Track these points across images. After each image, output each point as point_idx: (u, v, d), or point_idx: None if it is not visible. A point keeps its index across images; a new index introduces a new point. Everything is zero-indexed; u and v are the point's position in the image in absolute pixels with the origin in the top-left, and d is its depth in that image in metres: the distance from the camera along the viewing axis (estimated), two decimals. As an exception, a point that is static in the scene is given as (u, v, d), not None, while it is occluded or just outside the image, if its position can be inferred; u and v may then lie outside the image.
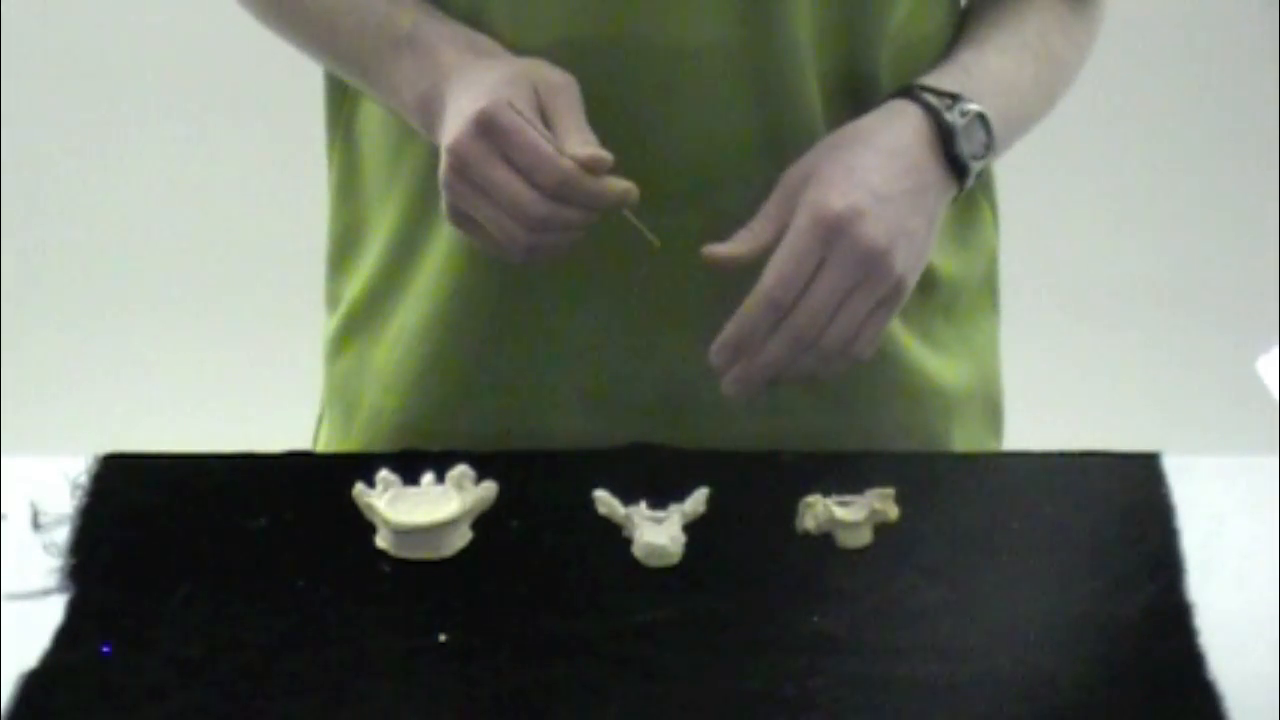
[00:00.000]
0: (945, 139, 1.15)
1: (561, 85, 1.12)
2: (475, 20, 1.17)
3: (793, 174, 1.13)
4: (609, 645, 1.04)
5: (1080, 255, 2.73)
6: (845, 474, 1.15)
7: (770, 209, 1.13)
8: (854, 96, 1.19)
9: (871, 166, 1.12)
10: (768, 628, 1.05)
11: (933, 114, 1.15)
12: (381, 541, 1.11)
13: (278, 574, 1.09)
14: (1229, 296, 2.71)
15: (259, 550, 1.11)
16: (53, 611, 1.06)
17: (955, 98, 1.15)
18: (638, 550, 1.10)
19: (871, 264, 1.10)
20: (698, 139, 1.17)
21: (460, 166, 1.10)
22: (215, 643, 1.03)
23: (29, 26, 2.73)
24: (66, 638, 1.04)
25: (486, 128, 1.09)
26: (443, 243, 1.23)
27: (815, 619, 1.06)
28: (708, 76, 1.16)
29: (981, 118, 1.16)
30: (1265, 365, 1.28)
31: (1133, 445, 1.21)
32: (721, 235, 1.14)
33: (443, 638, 1.04)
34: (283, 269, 2.64)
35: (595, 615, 1.06)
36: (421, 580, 1.09)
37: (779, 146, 1.17)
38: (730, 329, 1.11)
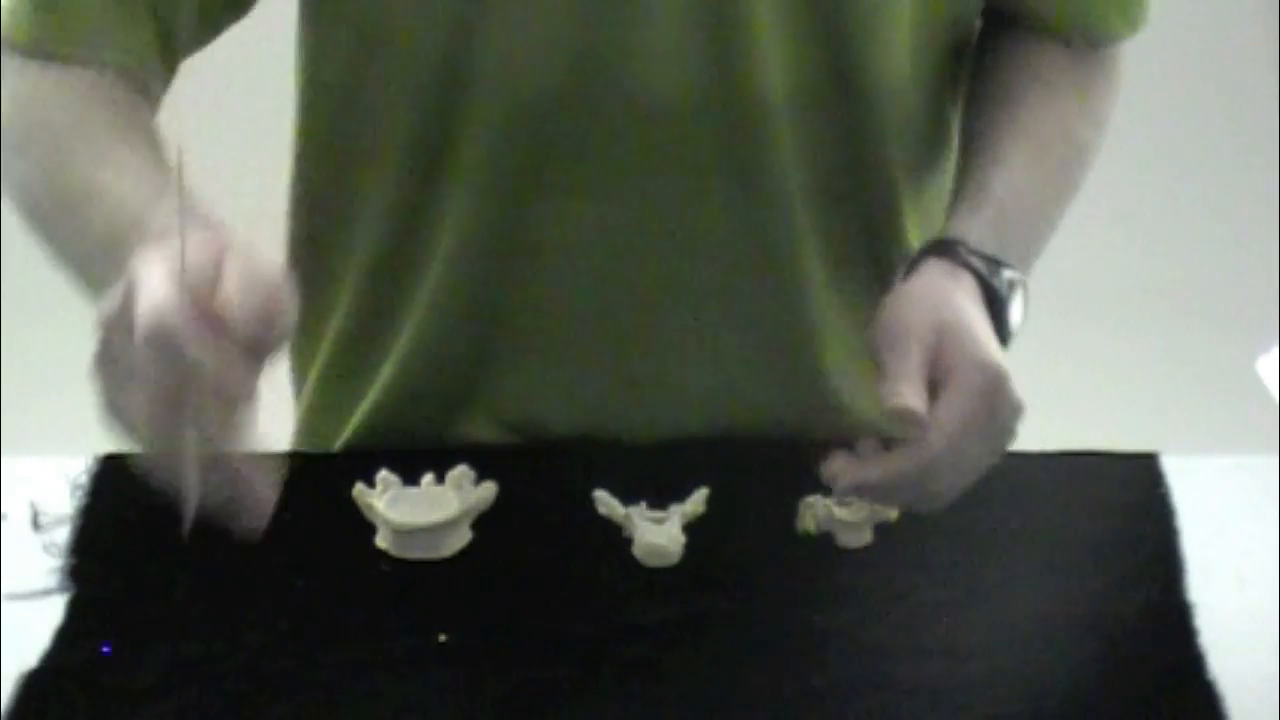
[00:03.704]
0: (994, 305, 1.12)
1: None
2: (455, 76, 1.14)
3: (912, 323, 1.07)
4: (609, 645, 1.04)
5: (1079, 255, 2.72)
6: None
7: (907, 357, 1.05)
8: (832, 148, 1.18)
9: (985, 326, 1.09)
10: (768, 628, 1.05)
11: (981, 280, 1.12)
12: (381, 541, 1.11)
13: (278, 574, 1.09)
14: (1229, 296, 2.71)
15: (259, 550, 1.11)
16: (53, 611, 1.06)
17: (997, 263, 1.13)
18: (638, 550, 1.10)
19: (1011, 431, 1.06)
20: (670, 188, 1.16)
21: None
22: (215, 643, 1.03)
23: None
24: (66, 638, 1.04)
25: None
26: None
27: (815, 619, 1.06)
28: (678, 127, 1.15)
29: (1021, 284, 1.14)
30: (1265, 365, 1.28)
31: (1133, 445, 1.21)
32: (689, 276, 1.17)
33: (443, 638, 1.04)
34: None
35: (595, 615, 1.06)
36: (421, 580, 1.09)
37: (749, 195, 1.17)
38: (873, 473, 1.05)
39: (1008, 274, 1.13)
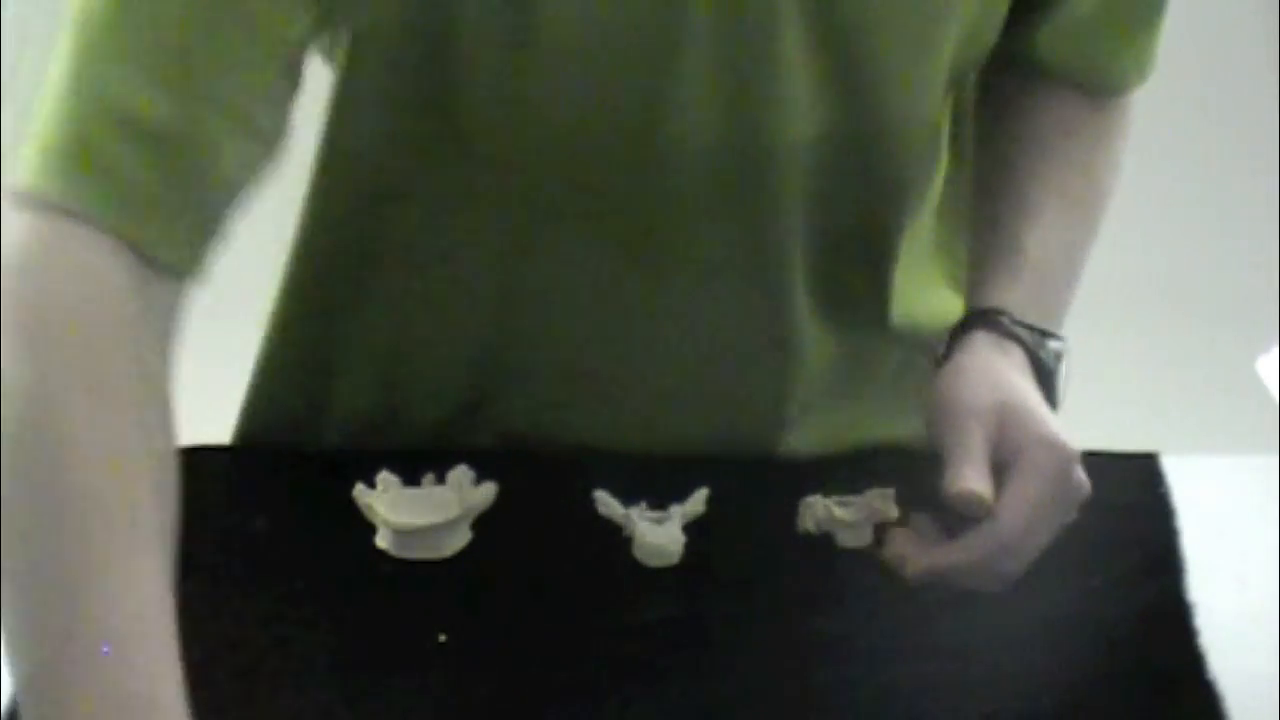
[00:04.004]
0: (1041, 375, 1.12)
1: None
2: (472, 120, 1.12)
3: (971, 403, 1.06)
4: (609, 645, 1.04)
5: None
6: (845, 474, 1.15)
7: (970, 439, 1.05)
8: (843, 187, 1.17)
9: (1044, 405, 1.09)
10: (768, 628, 1.05)
11: (1029, 351, 1.12)
12: (381, 541, 1.11)
13: (278, 574, 1.09)
14: (1229, 296, 2.71)
15: (259, 550, 1.11)
16: (53, 611, 1.06)
17: (1043, 333, 1.13)
18: (638, 550, 1.10)
19: (1074, 512, 1.06)
20: (677, 224, 1.15)
21: None
22: (215, 643, 1.03)
23: (31, 26, 2.74)
24: (66, 638, 1.04)
25: None
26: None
27: (815, 619, 1.06)
28: (690, 167, 1.13)
29: (1066, 353, 1.14)
30: (1265, 365, 1.28)
31: (1133, 445, 1.21)
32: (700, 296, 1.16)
33: (443, 638, 1.04)
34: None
35: (595, 615, 1.06)
36: (421, 580, 1.09)
37: (752, 229, 1.16)
38: (945, 560, 1.04)
39: (1054, 345, 1.13)
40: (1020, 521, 1.03)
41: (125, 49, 1.00)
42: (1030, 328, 1.12)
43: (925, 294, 1.25)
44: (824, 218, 1.17)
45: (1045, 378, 1.11)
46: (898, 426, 1.26)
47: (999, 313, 1.12)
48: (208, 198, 1.02)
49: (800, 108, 1.12)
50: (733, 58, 1.09)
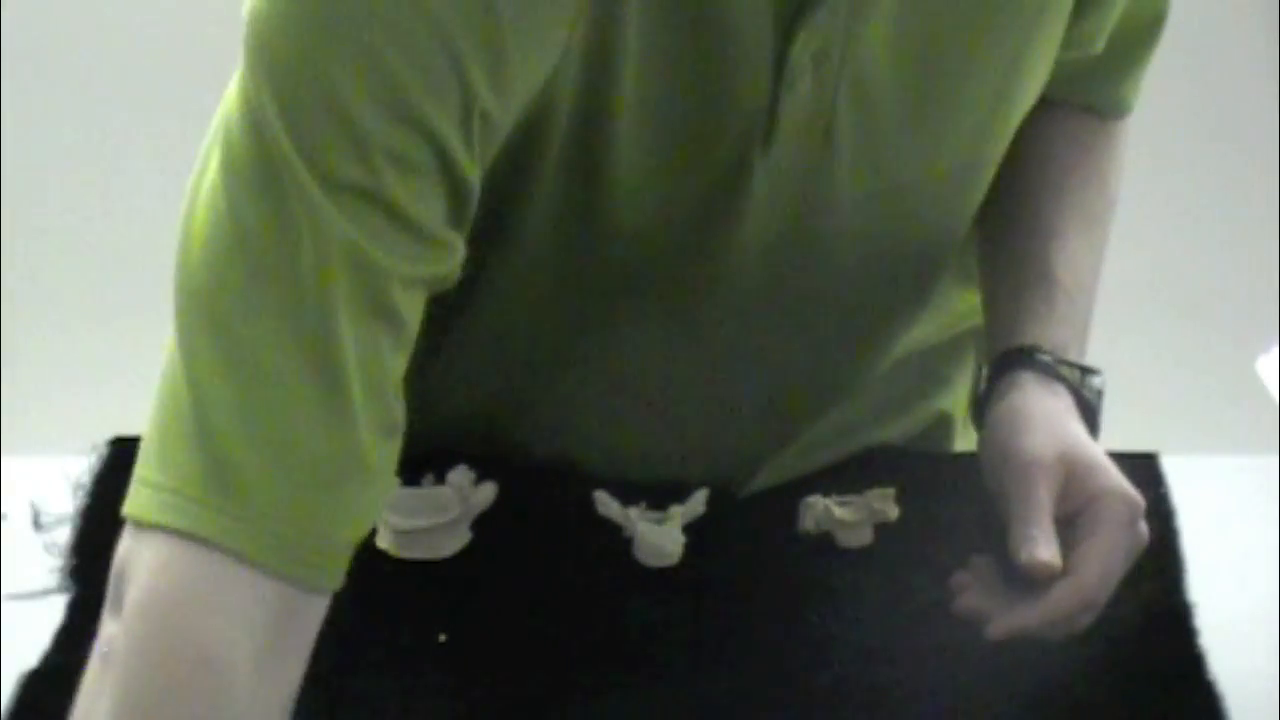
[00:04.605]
0: (1086, 413, 1.11)
1: None
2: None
3: (1036, 456, 1.06)
4: (609, 645, 1.04)
5: (1080, 255, 2.72)
6: (845, 474, 1.15)
7: (1036, 495, 1.04)
8: (894, 254, 1.16)
9: (1101, 450, 1.08)
10: (768, 628, 1.05)
11: (1073, 391, 1.11)
12: (381, 541, 1.11)
13: (278, 574, 1.09)
14: (1229, 296, 2.70)
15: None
16: (53, 611, 1.06)
17: (1084, 370, 1.13)
18: (638, 550, 1.10)
19: (1138, 555, 1.05)
20: (725, 299, 1.14)
21: None
22: (215, 643, 1.03)
23: (30, 26, 2.74)
24: (66, 638, 1.04)
25: None
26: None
27: (815, 619, 1.06)
28: (750, 260, 1.12)
29: (1103, 390, 1.14)
30: (1265, 365, 1.28)
31: (1133, 445, 1.21)
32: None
33: (443, 638, 1.04)
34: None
35: (595, 615, 1.06)
36: (421, 580, 1.09)
37: (801, 294, 1.15)
38: (1030, 621, 1.03)
39: (1095, 381, 1.13)
40: (1099, 577, 1.02)
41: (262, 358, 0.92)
42: (1072, 365, 1.12)
43: (942, 303, 1.25)
44: (866, 272, 1.16)
45: (1087, 414, 1.11)
46: (889, 430, 1.26)
47: (1039, 350, 1.12)
48: (361, 511, 0.96)
49: (853, 219, 1.11)
50: (792, 193, 1.08)
